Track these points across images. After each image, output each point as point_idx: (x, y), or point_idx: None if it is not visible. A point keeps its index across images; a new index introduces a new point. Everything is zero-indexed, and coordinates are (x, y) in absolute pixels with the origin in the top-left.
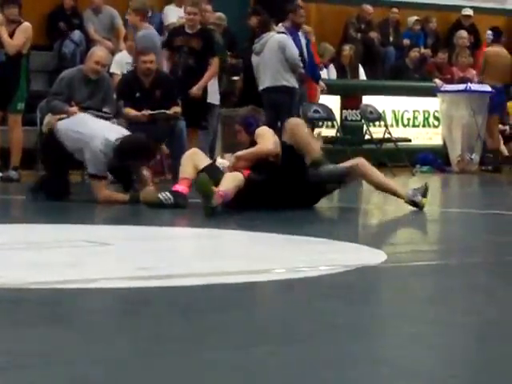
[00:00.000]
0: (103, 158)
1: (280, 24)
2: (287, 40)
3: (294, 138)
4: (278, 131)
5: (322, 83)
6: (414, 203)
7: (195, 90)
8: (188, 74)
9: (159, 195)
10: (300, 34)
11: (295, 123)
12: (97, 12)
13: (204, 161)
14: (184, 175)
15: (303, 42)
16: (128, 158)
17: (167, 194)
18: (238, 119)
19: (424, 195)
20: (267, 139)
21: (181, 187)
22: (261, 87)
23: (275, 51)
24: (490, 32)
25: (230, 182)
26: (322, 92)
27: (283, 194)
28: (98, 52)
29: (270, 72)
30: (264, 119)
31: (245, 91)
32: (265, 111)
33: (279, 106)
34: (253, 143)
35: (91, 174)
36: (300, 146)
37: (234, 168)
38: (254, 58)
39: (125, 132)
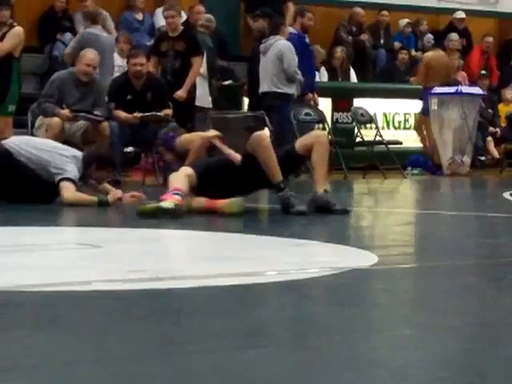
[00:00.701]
0: (74, 165)
1: (290, 26)
2: (288, 49)
3: (256, 154)
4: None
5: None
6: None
7: (180, 92)
8: (176, 77)
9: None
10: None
11: (258, 141)
12: None
13: None
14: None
15: None
16: (102, 166)
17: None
18: (159, 141)
19: (317, 209)
20: (194, 134)
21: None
22: (260, 90)
23: (275, 58)
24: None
25: (176, 179)
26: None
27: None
28: (89, 54)
29: (268, 77)
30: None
31: (251, 94)
32: (266, 114)
33: (275, 111)
34: (179, 155)
35: (63, 178)
36: (262, 165)
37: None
38: (262, 59)
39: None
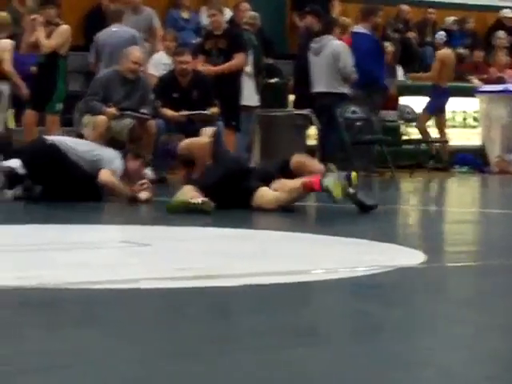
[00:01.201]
0: (120, 167)
1: (359, 25)
2: (343, 49)
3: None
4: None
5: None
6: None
7: (212, 69)
8: (219, 75)
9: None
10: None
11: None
12: (136, 12)
13: None
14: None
15: None
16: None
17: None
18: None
19: None
20: (194, 142)
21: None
22: (314, 90)
23: (330, 58)
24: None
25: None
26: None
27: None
28: (135, 52)
29: (324, 77)
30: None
31: (297, 92)
32: (316, 114)
33: (328, 109)
34: (185, 161)
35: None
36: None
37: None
38: (312, 58)
39: None
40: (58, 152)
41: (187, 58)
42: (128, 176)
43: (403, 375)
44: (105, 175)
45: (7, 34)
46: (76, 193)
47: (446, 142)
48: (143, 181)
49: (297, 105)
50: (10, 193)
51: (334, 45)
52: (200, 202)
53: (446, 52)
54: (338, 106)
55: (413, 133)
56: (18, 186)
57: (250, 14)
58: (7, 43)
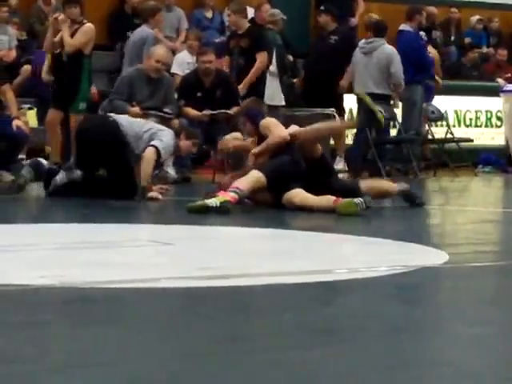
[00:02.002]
0: (172, 145)
1: (404, 24)
2: (395, 55)
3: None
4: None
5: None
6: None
7: (240, 87)
8: (240, 74)
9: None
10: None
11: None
12: (168, 9)
13: None
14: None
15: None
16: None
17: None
18: (243, 111)
19: None
20: (275, 128)
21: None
22: (359, 90)
23: (383, 61)
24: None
25: (241, 180)
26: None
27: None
28: (159, 50)
29: (373, 79)
30: (266, 110)
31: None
32: (359, 114)
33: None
34: (259, 134)
35: (153, 145)
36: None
37: (255, 165)
38: (360, 57)
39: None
40: (118, 130)
41: (210, 57)
42: (179, 153)
43: (425, 375)
44: (149, 151)
45: None
46: (112, 185)
47: (471, 140)
48: (165, 186)
49: (309, 103)
50: (36, 188)
51: (388, 49)
52: (218, 204)
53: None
54: (385, 108)
55: (437, 132)
56: (58, 175)
57: (270, 12)
58: None
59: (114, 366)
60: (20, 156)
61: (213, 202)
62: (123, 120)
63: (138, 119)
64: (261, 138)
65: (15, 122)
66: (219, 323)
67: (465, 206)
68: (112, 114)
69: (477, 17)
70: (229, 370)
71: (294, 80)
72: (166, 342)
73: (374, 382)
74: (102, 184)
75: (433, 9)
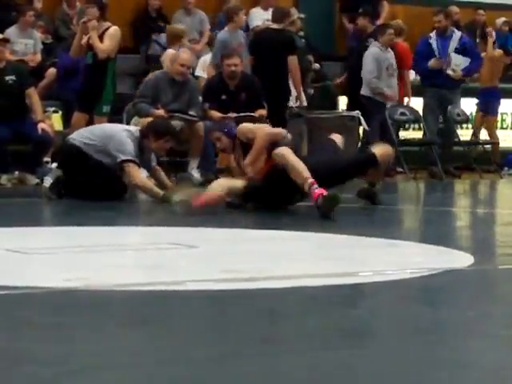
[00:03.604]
0: (131, 142)
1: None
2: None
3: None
4: None
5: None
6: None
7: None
8: (268, 78)
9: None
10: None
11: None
12: (188, 13)
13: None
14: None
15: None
16: (159, 135)
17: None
18: (215, 127)
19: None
20: (256, 130)
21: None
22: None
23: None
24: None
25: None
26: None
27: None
28: (183, 54)
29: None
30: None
31: (351, 94)
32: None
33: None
34: (235, 146)
35: (124, 160)
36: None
37: (253, 176)
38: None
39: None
40: (80, 153)
41: (236, 60)
42: (148, 152)
43: (450, 376)
44: (138, 178)
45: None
46: (101, 189)
47: (497, 143)
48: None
49: (350, 107)
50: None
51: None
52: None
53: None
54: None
55: (463, 134)
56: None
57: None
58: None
59: (139, 368)
60: (45, 159)
61: (176, 197)
62: (77, 136)
63: (107, 125)
64: (243, 147)
65: (40, 125)
66: (245, 326)
67: (490, 209)
68: (71, 137)
69: (503, 19)
70: (255, 372)
71: (317, 85)
72: (191, 345)
73: (400, 383)
74: (89, 185)
75: (455, 8)
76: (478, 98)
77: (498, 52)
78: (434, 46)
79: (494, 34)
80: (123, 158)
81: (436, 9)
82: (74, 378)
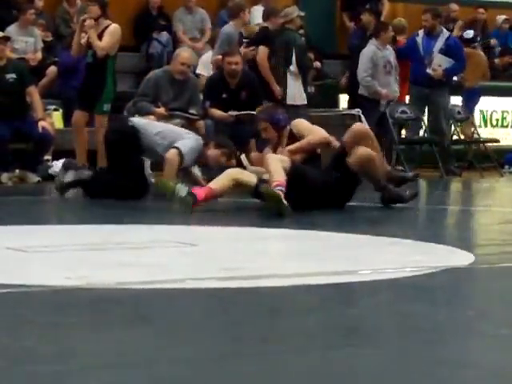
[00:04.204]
0: (196, 150)
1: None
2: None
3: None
4: None
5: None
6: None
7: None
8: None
9: (177, 184)
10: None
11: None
12: (189, 11)
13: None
14: (212, 184)
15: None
16: (220, 145)
17: (184, 189)
18: (264, 116)
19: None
20: (314, 128)
21: (200, 191)
22: None
23: None
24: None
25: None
26: None
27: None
28: (184, 53)
29: None
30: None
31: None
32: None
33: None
34: (281, 138)
35: (174, 146)
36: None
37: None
38: None
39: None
40: (135, 134)
41: (237, 58)
42: (205, 162)
43: (450, 375)
44: (172, 153)
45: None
46: (124, 184)
47: (497, 141)
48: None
49: (351, 105)
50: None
51: None
52: (184, 195)
53: (473, 52)
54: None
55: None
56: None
57: (284, 12)
58: None
59: (140, 367)
60: (46, 157)
61: (183, 190)
62: (142, 125)
63: (161, 123)
64: (291, 139)
65: (41, 124)
66: (246, 324)
67: (491, 207)
68: (133, 119)
69: (503, 17)
70: (256, 372)
71: (317, 82)
72: (191, 343)
73: (399, 382)
74: (113, 184)
75: (454, 6)
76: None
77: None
78: (420, 44)
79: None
80: (176, 145)
81: (424, 7)
82: (74, 377)
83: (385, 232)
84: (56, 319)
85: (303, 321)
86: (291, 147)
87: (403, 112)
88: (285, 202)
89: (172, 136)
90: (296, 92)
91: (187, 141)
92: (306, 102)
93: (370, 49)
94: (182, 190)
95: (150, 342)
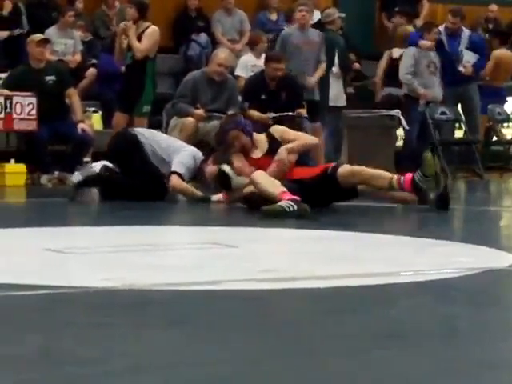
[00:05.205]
0: (192, 165)
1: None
2: None
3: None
4: None
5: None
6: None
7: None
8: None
9: (281, 204)
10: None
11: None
12: (228, 13)
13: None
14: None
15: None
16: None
17: (288, 202)
18: (232, 125)
19: None
20: (299, 133)
21: (287, 193)
22: None
23: None
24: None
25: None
26: None
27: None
28: (221, 54)
29: None
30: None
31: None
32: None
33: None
34: (253, 143)
35: (174, 172)
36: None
37: (283, 162)
38: None
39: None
40: (136, 142)
41: (283, 65)
42: (203, 178)
43: (491, 378)
44: (174, 180)
45: None
46: (141, 190)
47: None
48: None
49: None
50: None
51: None
52: (296, 207)
53: (501, 52)
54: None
55: (504, 133)
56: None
57: (325, 12)
58: None
59: (176, 369)
60: (85, 159)
61: (288, 205)
62: (145, 135)
63: (164, 136)
64: (270, 145)
65: (80, 126)
66: (283, 326)
67: None
68: (133, 129)
69: None
70: (292, 373)
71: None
72: (230, 345)
73: None
74: (132, 186)
75: (493, 7)
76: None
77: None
78: (445, 43)
79: None
80: (173, 169)
81: (451, 7)
82: (113, 378)
83: (425, 233)
84: (95, 320)
85: (342, 323)
86: (288, 146)
87: (443, 113)
88: (305, 205)
89: (169, 150)
90: (338, 93)
91: (183, 158)
92: (345, 104)
93: (413, 48)
94: (288, 205)
95: (189, 344)
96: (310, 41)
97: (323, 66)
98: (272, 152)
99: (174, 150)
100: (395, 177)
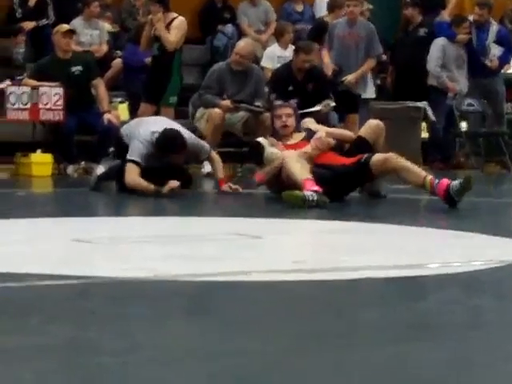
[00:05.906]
0: (143, 148)
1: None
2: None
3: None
4: None
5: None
6: None
7: (349, 77)
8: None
9: (302, 193)
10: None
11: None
12: (253, 4)
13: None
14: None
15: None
16: (163, 151)
17: (309, 192)
18: (291, 104)
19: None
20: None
21: (311, 182)
22: None
23: None
24: None
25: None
26: None
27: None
28: (240, 43)
29: None
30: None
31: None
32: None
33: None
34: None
35: (129, 160)
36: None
37: (321, 141)
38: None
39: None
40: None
41: (313, 57)
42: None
43: None
44: (128, 177)
45: None
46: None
47: None
48: (234, 186)
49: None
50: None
51: None
52: (315, 198)
53: None
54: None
55: None
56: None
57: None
58: None
59: (204, 359)
60: (111, 149)
61: (308, 195)
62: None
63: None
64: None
65: (106, 116)
66: (310, 318)
67: None
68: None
69: None
70: (319, 366)
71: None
72: (257, 336)
73: (466, 377)
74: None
75: None
76: None
77: None
78: (473, 35)
79: None
80: (129, 157)
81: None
82: (139, 368)
83: (452, 225)
84: (122, 311)
85: (369, 315)
86: (329, 129)
87: (470, 105)
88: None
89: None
90: (366, 85)
91: (134, 146)
92: (374, 96)
93: (441, 39)
94: (308, 195)
95: (216, 334)
96: (354, 33)
97: (371, 61)
98: (308, 139)
99: (135, 134)
100: (429, 177)
